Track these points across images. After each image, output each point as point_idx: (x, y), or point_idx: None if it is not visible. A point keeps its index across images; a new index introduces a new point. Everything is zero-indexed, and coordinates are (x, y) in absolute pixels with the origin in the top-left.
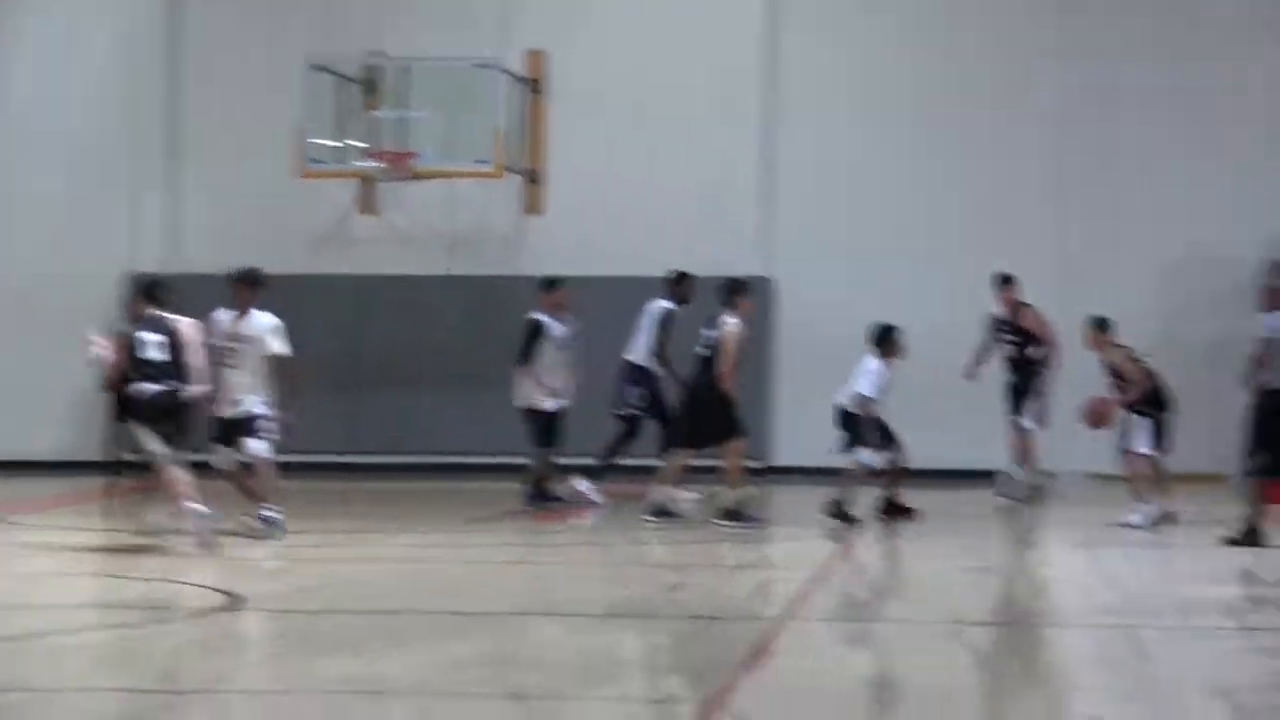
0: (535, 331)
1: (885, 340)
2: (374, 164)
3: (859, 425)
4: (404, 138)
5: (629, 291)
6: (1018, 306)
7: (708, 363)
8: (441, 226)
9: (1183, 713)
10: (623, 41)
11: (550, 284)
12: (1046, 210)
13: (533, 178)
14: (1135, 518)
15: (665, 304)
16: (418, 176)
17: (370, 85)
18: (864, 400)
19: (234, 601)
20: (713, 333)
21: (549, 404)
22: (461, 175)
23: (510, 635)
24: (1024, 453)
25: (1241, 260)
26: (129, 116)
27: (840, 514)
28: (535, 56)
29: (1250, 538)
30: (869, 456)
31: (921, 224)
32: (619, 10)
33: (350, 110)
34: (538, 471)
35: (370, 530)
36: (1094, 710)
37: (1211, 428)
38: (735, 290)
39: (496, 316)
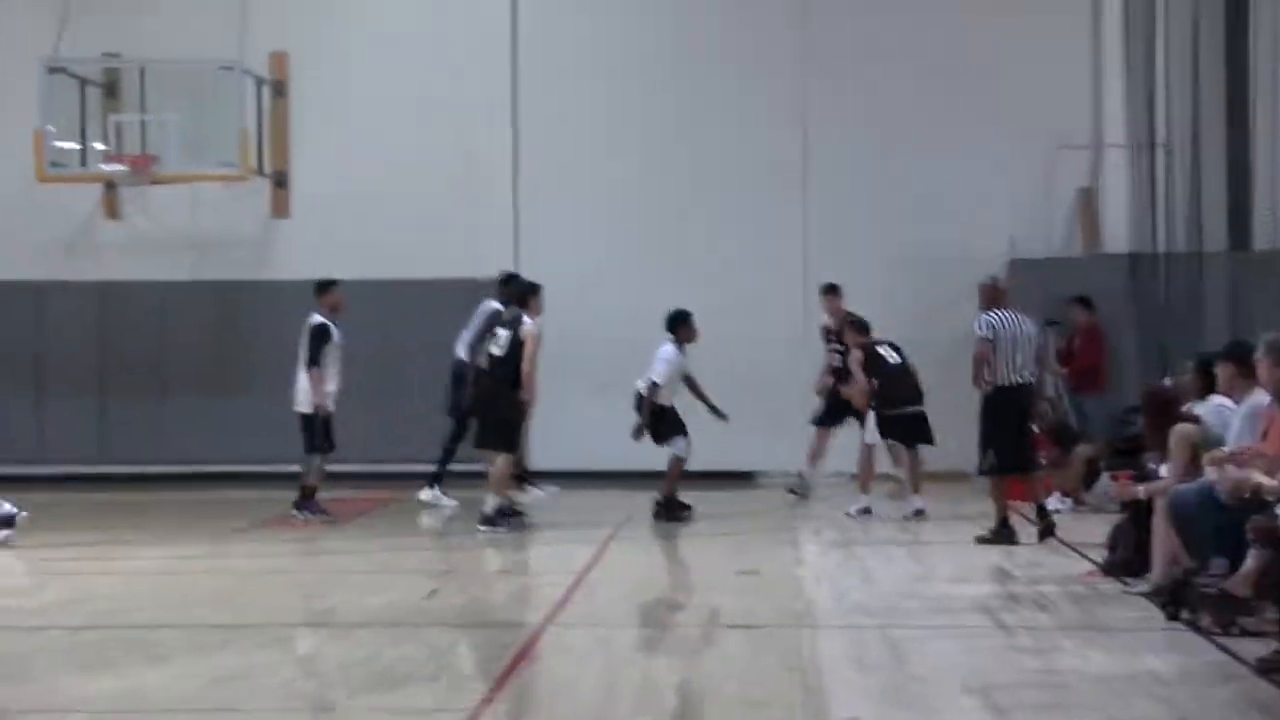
0: (323, 334)
1: (678, 325)
2: (116, 167)
3: (655, 414)
4: (147, 141)
5: (379, 294)
6: (844, 315)
7: (501, 363)
8: (187, 230)
9: (939, 712)
10: (365, 40)
11: (326, 285)
12: (794, 208)
13: (279, 180)
14: (853, 509)
15: (494, 304)
16: (161, 180)
17: (111, 87)
18: (653, 387)
19: None
20: (506, 332)
21: (328, 407)
22: (206, 178)
23: (271, 647)
24: (816, 454)
25: (987, 260)
26: None
27: (669, 512)
28: (278, 58)
29: (1000, 535)
30: (680, 446)
31: (668, 217)
32: (361, 8)
33: (90, 113)
34: (313, 477)
35: (125, 542)
36: (850, 712)
37: (962, 425)
38: (529, 290)
39: (245, 321)
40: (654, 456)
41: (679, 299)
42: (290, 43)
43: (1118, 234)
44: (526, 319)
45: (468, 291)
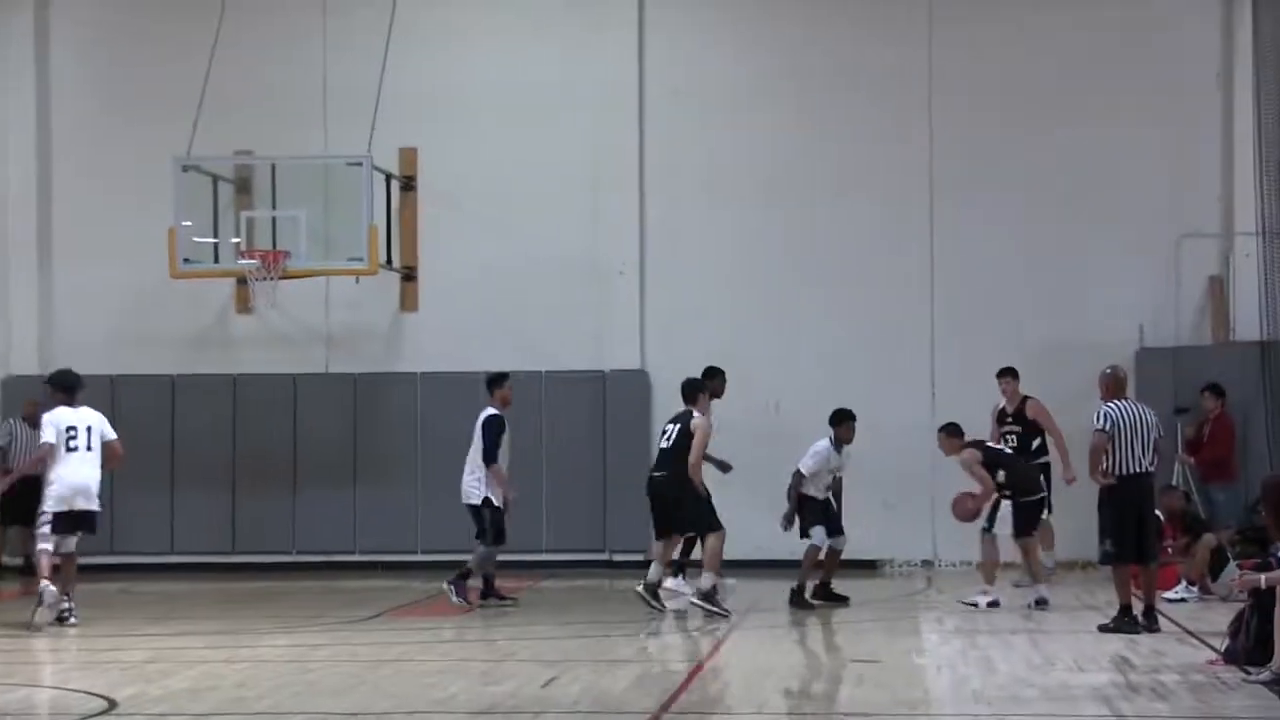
0: (499, 427)
1: (837, 423)
2: (248, 263)
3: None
4: (278, 236)
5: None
6: (1021, 398)
7: (667, 455)
8: (318, 324)
9: None
10: (492, 134)
11: (499, 379)
12: (921, 299)
13: (407, 274)
14: (980, 600)
15: None
16: (291, 275)
17: (243, 184)
18: (798, 476)
19: (113, 706)
20: (674, 426)
21: (505, 499)
22: (336, 273)
23: None
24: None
25: (1116, 350)
26: (1, 220)
27: (799, 600)
28: (407, 153)
29: (1122, 624)
30: (818, 536)
31: (791, 309)
32: (485, 103)
33: (223, 210)
34: (478, 565)
35: (254, 631)
36: None
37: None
38: (697, 386)
39: (375, 412)
40: (783, 544)
41: (801, 388)
42: (419, 138)
43: (1249, 322)
44: (696, 413)
45: (594, 382)
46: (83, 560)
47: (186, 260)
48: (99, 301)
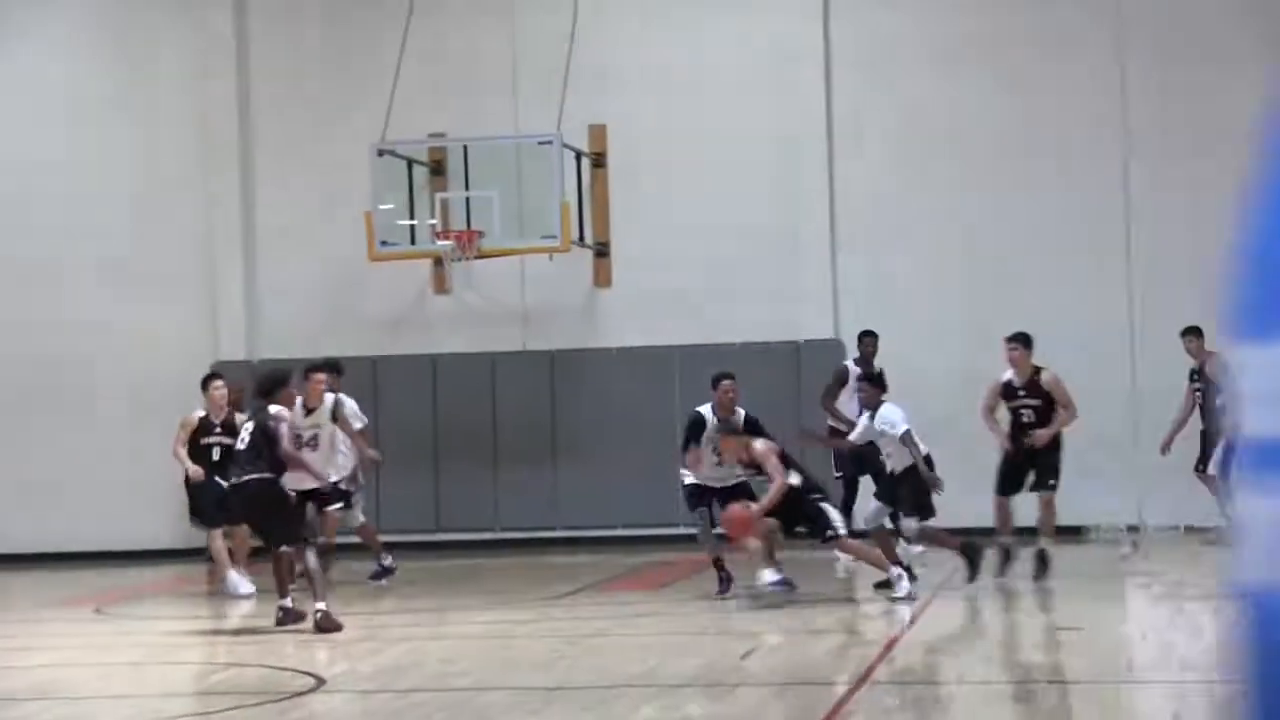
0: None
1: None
2: (443, 244)
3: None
4: (472, 217)
5: (701, 360)
6: (1207, 356)
7: None
8: (514, 302)
9: None
10: (681, 108)
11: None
12: (1117, 269)
13: (600, 250)
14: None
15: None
16: (486, 255)
17: (437, 166)
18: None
19: (321, 683)
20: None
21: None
22: (529, 251)
23: (591, 709)
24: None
25: None
26: (207, 210)
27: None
28: (596, 130)
29: None
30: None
31: (988, 279)
32: (671, 76)
33: (418, 192)
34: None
35: (458, 608)
36: None
37: None
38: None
39: (572, 389)
40: (978, 511)
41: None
42: (607, 114)
43: None
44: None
45: (787, 354)
46: None
47: (384, 243)
48: (300, 287)
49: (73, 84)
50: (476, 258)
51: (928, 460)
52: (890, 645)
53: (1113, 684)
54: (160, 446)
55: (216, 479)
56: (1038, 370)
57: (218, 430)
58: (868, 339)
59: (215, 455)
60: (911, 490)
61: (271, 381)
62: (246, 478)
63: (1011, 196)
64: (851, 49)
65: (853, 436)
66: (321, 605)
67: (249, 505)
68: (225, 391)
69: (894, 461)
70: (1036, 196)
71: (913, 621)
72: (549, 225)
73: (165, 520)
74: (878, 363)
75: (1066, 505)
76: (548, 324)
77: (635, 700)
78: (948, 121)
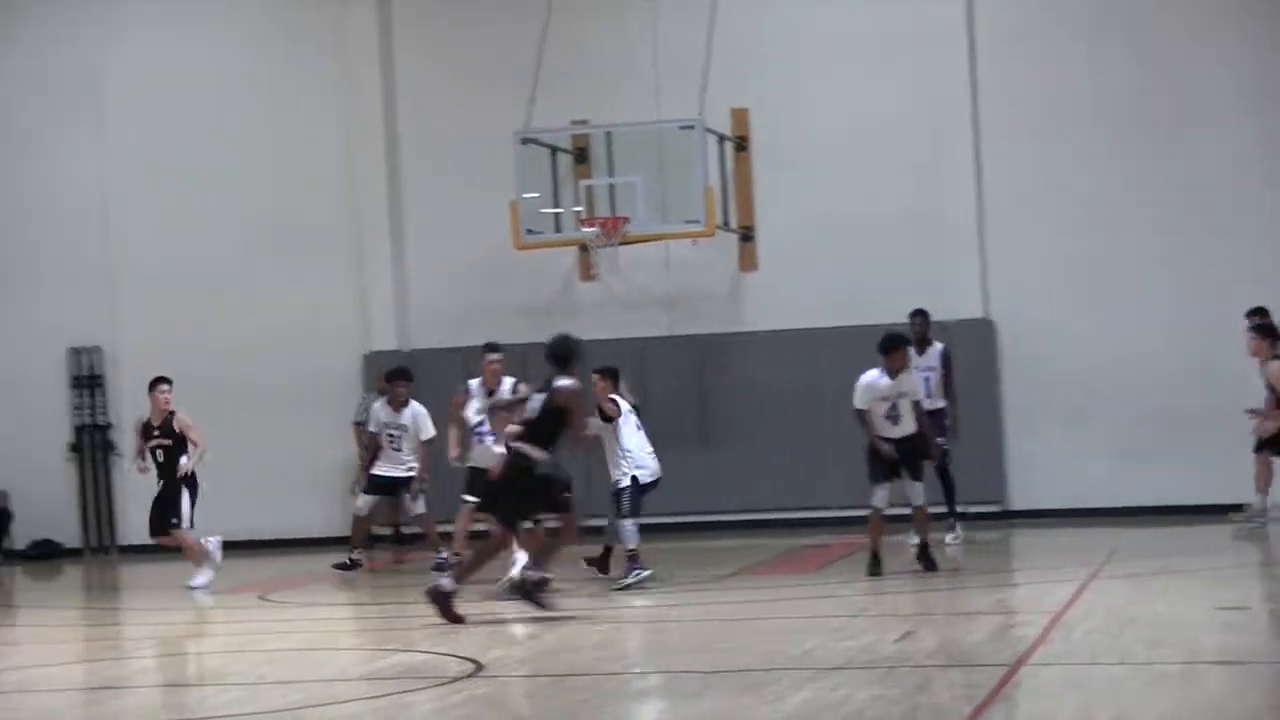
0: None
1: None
2: (588, 231)
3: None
4: (616, 203)
5: (847, 341)
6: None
7: None
8: (660, 288)
9: None
10: (822, 90)
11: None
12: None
13: (745, 234)
14: None
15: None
16: (631, 241)
17: (580, 154)
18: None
19: (480, 668)
20: None
21: None
22: (674, 236)
23: (748, 692)
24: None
25: None
26: (353, 199)
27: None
28: (738, 114)
29: None
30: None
31: (1135, 250)
32: (813, 58)
33: (562, 180)
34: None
35: (612, 591)
36: None
37: None
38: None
39: (719, 373)
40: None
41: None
42: (749, 98)
43: None
44: None
45: (936, 335)
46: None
47: (529, 231)
48: (448, 275)
49: (228, 79)
50: (621, 244)
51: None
52: (1050, 626)
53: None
54: (318, 436)
55: (164, 481)
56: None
57: (156, 433)
58: (918, 318)
59: (160, 457)
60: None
61: (567, 350)
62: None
63: (1163, 168)
64: (995, 27)
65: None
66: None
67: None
68: (169, 396)
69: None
70: (1189, 168)
71: (1072, 602)
72: (693, 210)
73: (326, 508)
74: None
75: (1222, 484)
76: (693, 309)
77: (793, 683)
78: (1093, 99)
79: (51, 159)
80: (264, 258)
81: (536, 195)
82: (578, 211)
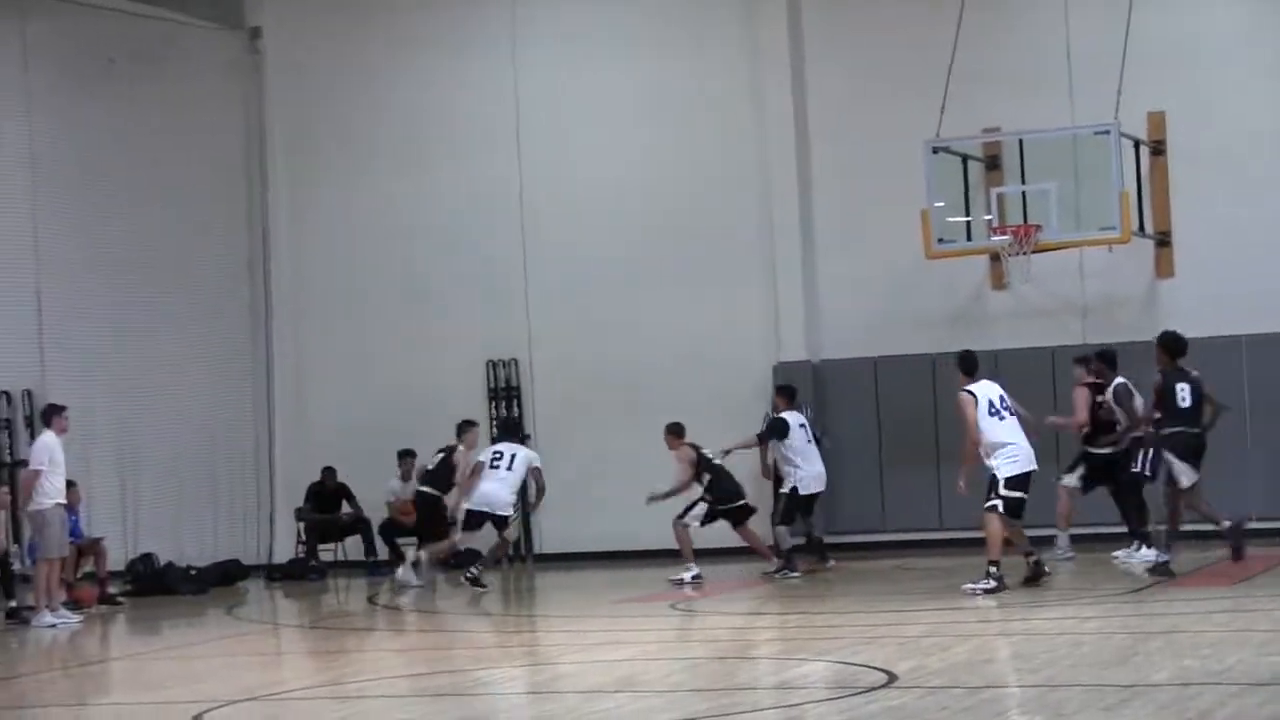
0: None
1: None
2: (1000, 239)
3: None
4: (1028, 210)
5: (1271, 348)
6: None
7: None
8: (1073, 296)
9: None
10: (1241, 92)
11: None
12: None
13: (1161, 240)
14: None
15: None
16: (1043, 248)
17: (991, 161)
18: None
19: (893, 679)
20: None
21: None
22: (1088, 244)
23: (1165, 708)
24: None
25: None
26: (765, 210)
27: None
28: (1154, 118)
29: None
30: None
31: None
32: (1234, 60)
33: (973, 188)
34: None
35: (1019, 603)
36: None
37: None
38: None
39: (1135, 381)
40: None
41: None
42: (1166, 100)
43: None
44: None
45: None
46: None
47: (940, 240)
48: (858, 285)
49: (639, 92)
50: (1034, 252)
51: None
52: None
53: None
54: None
55: None
56: None
57: None
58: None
59: None
60: None
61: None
62: None
63: None
64: None
65: None
66: None
67: None
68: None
69: None
70: None
71: None
72: (1107, 216)
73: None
74: None
75: None
76: (1108, 316)
77: (1217, 698)
78: None
79: (470, 176)
80: (675, 269)
81: (945, 204)
82: (989, 220)
